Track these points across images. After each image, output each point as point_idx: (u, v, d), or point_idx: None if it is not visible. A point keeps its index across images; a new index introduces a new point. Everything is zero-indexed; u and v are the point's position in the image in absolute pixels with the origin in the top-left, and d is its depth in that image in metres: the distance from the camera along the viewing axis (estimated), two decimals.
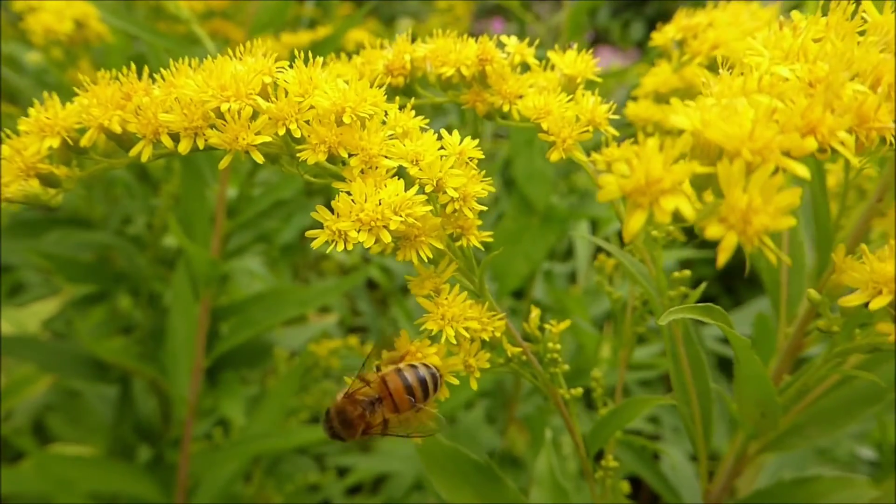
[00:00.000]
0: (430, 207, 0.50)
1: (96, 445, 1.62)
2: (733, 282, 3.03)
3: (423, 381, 0.53)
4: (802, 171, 0.33)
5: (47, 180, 0.50)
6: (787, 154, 0.33)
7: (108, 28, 1.19)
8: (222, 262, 1.42)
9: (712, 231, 0.32)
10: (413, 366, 0.53)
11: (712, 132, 0.33)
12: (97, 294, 1.61)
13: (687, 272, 0.68)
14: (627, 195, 0.33)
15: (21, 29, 1.50)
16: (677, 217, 0.33)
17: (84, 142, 0.49)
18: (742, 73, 0.39)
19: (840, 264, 0.45)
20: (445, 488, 0.71)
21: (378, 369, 0.55)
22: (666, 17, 0.83)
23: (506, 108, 0.62)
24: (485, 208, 0.53)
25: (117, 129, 0.49)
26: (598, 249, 2.22)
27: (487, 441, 1.73)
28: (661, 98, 0.89)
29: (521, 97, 0.62)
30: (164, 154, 0.51)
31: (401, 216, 0.47)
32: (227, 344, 1.46)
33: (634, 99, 0.92)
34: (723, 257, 0.32)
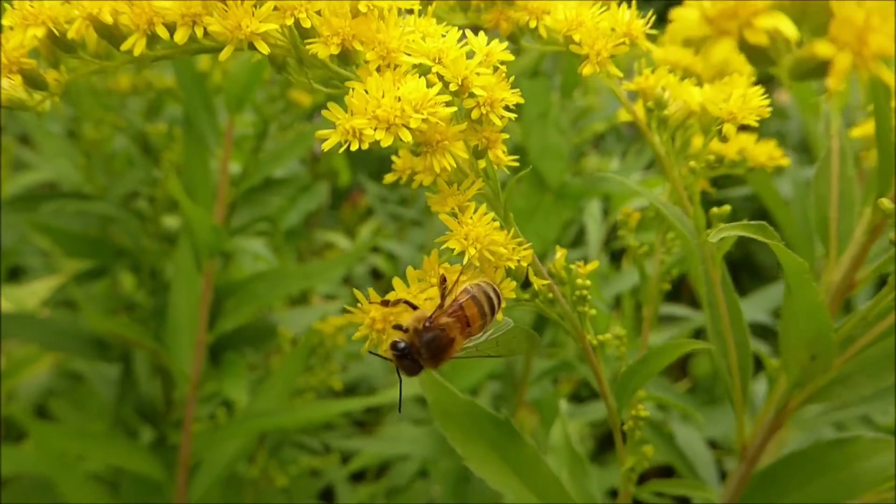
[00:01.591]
0: (455, 109, 0.45)
1: (100, 429, 1.59)
2: (739, 273, 3.01)
3: (490, 301, 0.51)
4: None
5: (33, 81, 0.45)
6: None
7: None
8: (226, 236, 1.38)
9: (822, 49, 0.27)
10: (479, 286, 0.51)
11: None
12: (97, 269, 1.57)
13: (727, 207, 0.63)
14: (711, 22, 0.28)
15: None
16: (769, 50, 0.28)
17: (72, 34, 0.44)
18: None
19: None
20: (460, 442, 0.66)
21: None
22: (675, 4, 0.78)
23: (532, 24, 0.57)
24: (513, 115, 0.48)
25: (108, 20, 0.44)
26: (609, 237, 2.17)
27: None
28: (690, 43, 0.84)
29: (548, 13, 0.57)
30: (161, 55, 0.46)
31: (422, 114, 0.42)
32: (231, 320, 1.41)
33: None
34: (836, 81, 0.27)
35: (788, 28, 0.27)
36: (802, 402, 0.61)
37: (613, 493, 1.53)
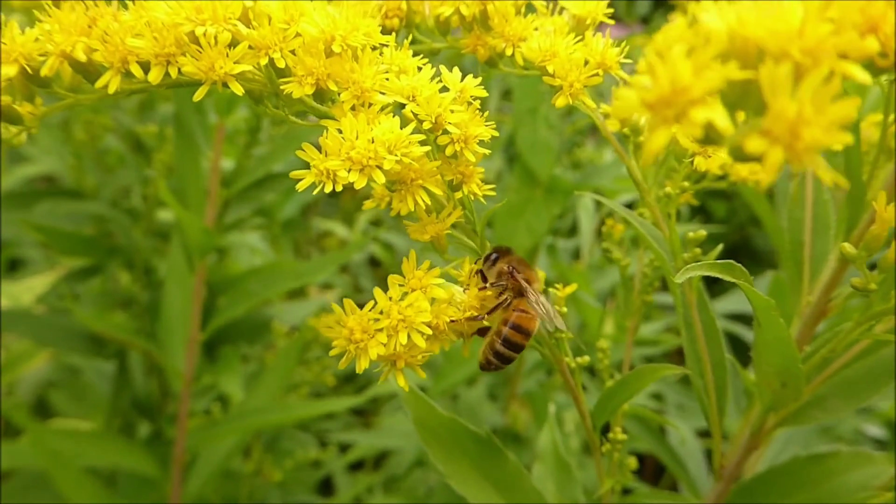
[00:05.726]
0: (428, 148, 0.45)
1: (97, 421, 1.60)
2: (737, 258, 3.01)
3: None
4: (862, 75, 0.28)
5: (8, 116, 0.46)
6: (843, 57, 0.28)
7: None
8: (218, 233, 1.39)
9: (753, 145, 0.27)
10: None
11: (754, 29, 0.28)
12: (92, 267, 1.58)
13: (702, 232, 0.63)
14: (650, 108, 0.28)
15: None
16: (709, 134, 0.28)
17: (45, 71, 0.45)
18: None
19: (882, 213, 0.41)
20: (443, 460, 0.67)
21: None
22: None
23: (508, 52, 0.57)
24: (487, 151, 0.48)
25: (82, 58, 0.44)
26: (603, 224, 2.17)
27: (489, 418, 1.71)
28: None
29: (524, 40, 0.57)
30: (137, 89, 0.47)
31: (396, 155, 0.42)
32: (225, 317, 1.42)
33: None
34: (767, 176, 0.27)
35: (722, 121, 0.27)
36: (777, 425, 0.62)
37: None
